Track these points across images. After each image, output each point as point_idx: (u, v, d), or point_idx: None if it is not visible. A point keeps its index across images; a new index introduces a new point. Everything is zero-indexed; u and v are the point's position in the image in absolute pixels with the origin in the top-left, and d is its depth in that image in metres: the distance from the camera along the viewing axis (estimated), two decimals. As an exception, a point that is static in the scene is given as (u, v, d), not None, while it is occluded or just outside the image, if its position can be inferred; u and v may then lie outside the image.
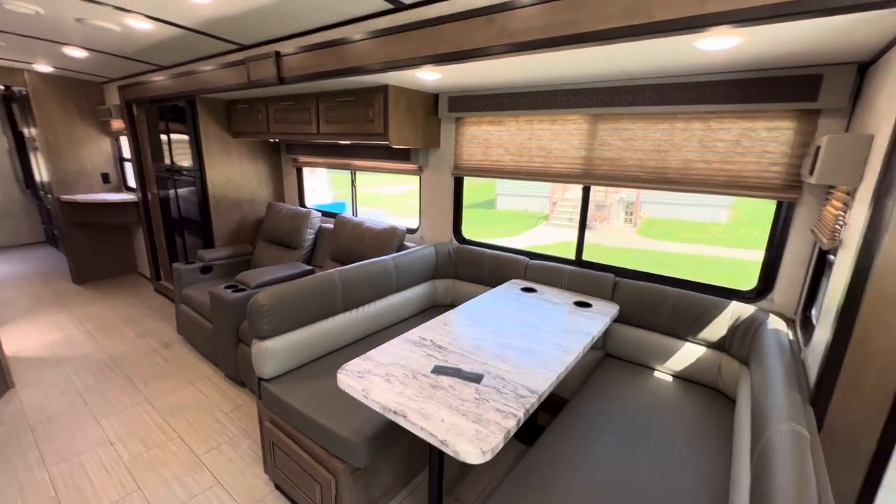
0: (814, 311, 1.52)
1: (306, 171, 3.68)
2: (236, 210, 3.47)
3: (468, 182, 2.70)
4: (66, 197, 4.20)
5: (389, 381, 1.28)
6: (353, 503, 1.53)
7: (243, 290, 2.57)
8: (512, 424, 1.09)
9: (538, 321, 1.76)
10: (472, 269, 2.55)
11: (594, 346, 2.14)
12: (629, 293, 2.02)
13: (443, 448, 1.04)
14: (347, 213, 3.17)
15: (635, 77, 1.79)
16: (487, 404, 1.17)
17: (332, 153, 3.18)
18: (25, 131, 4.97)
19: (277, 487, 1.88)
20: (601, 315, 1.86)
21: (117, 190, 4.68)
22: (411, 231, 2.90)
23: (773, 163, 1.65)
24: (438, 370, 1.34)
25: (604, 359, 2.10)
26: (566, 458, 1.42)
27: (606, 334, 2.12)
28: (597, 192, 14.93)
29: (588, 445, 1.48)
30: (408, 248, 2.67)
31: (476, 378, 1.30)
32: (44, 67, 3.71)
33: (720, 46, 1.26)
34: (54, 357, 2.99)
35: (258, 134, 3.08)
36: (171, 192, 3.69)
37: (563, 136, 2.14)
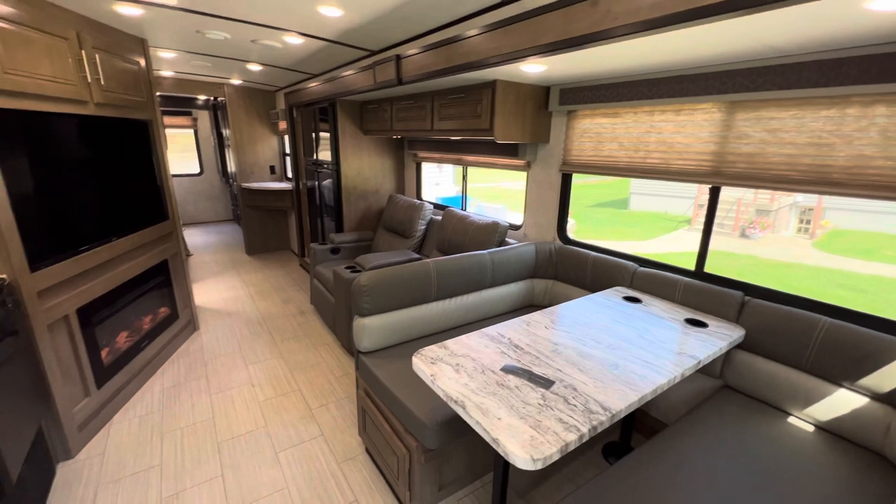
0: None
1: (433, 166, 3.91)
2: (363, 200, 3.89)
3: (598, 180, 2.55)
4: (245, 184, 5.25)
5: (458, 371, 1.31)
6: (424, 482, 1.62)
7: (359, 271, 2.88)
8: (572, 438, 1.03)
9: (634, 335, 1.59)
10: (573, 271, 2.41)
11: (710, 374, 1.84)
12: (762, 316, 1.68)
13: (494, 446, 1.03)
14: (455, 207, 3.28)
15: (788, 53, 1.46)
16: (551, 412, 1.12)
17: (446, 148, 3.32)
18: (224, 132, 6.34)
19: (367, 451, 2.09)
20: (718, 338, 1.59)
21: (279, 180, 5.66)
22: (515, 227, 2.87)
23: None
24: (508, 369, 1.32)
25: (721, 390, 1.79)
26: (646, 490, 1.26)
27: (727, 362, 1.80)
28: (759, 195, 12.51)
29: (677, 482, 1.29)
30: (509, 244, 2.65)
31: (545, 383, 1.25)
32: (236, 81, 4.67)
33: (907, 5, 0.95)
34: (226, 310, 3.79)
35: (384, 131, 3.39)
36: (316, 182, 4.31)
37: (688, 128, 1.86)
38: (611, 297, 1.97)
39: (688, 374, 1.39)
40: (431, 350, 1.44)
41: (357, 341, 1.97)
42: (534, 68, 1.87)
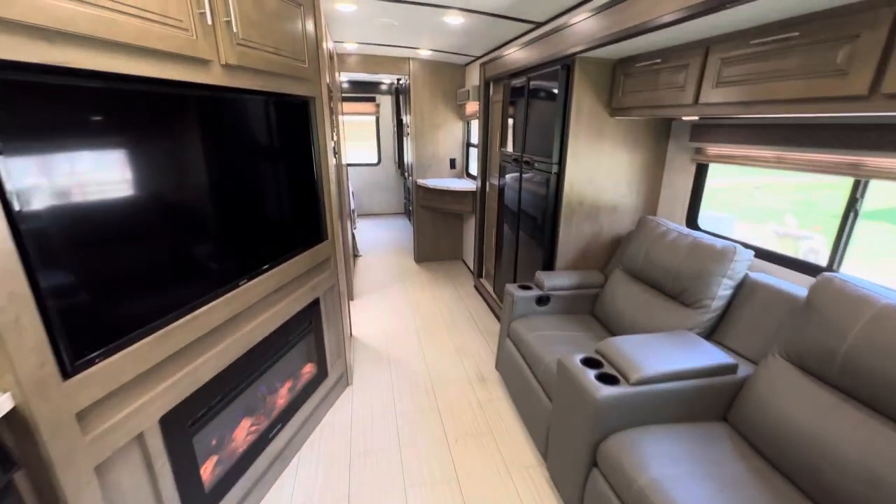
0: None
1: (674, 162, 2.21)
2: (591, 221, 2.45)
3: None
4: (420, 181, 4.37)
5: None
6: None
7: (614, 379, 1.48)
8: None
9: None
10: None
11: None
12: None
13: None
14: (842, 274, 1.57)
15: None
16: None
17: (807, 139, 1.58)
18: (404, 118, 5.66)
19: None
20: None
21: (459, 176, 4.64)
22: None
23: None
24: None
25: None
26: None
27: None
28: None
29: None
30: None
31: None
32: (424, 52, 3.71)
33: None
34: (386, 352, 2.88)
35: (662, 108, 1.86)
36: (514, 184, 3.04)
37: None
38: None
39: None
40: None
41: None
42: None
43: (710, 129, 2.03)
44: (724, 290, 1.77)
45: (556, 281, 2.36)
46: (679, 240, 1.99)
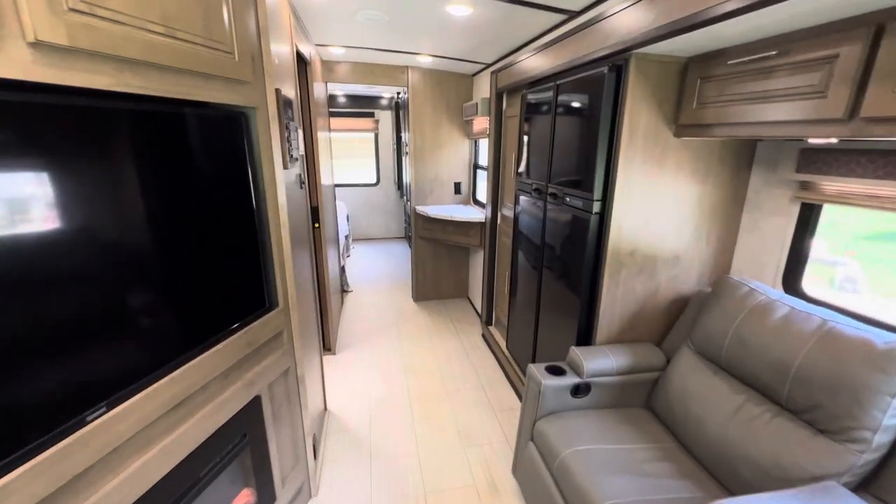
0: None
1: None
2: (645, 277, 1.79)
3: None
4: (420, 209, 3.75)
5: None
6: None
7: None
8: None
9: None
10: None
11: None
12: None
13: None
14: None
15: None
16: None
17: None
18: (403, 135, 5.10)
19: None
20: None
21: (465, 202, 4.02)
22: None
23: None
24: None
25: None
26: None
27: None
28: None
29: None
30: None
31: None
32: (425, 58, 3.12)
33: None
34: (368, 441, 2.20)
35: (774, 125, 1.23)
36: (535, 214, 2.41)
37: None
38: None
39: None
40: None
41: None
42: None
43: (839, 157, 1.38)
44: (892, 417, 1.10)
45: (599, 363, 1.69)
46: (796, 320, 1.33)
